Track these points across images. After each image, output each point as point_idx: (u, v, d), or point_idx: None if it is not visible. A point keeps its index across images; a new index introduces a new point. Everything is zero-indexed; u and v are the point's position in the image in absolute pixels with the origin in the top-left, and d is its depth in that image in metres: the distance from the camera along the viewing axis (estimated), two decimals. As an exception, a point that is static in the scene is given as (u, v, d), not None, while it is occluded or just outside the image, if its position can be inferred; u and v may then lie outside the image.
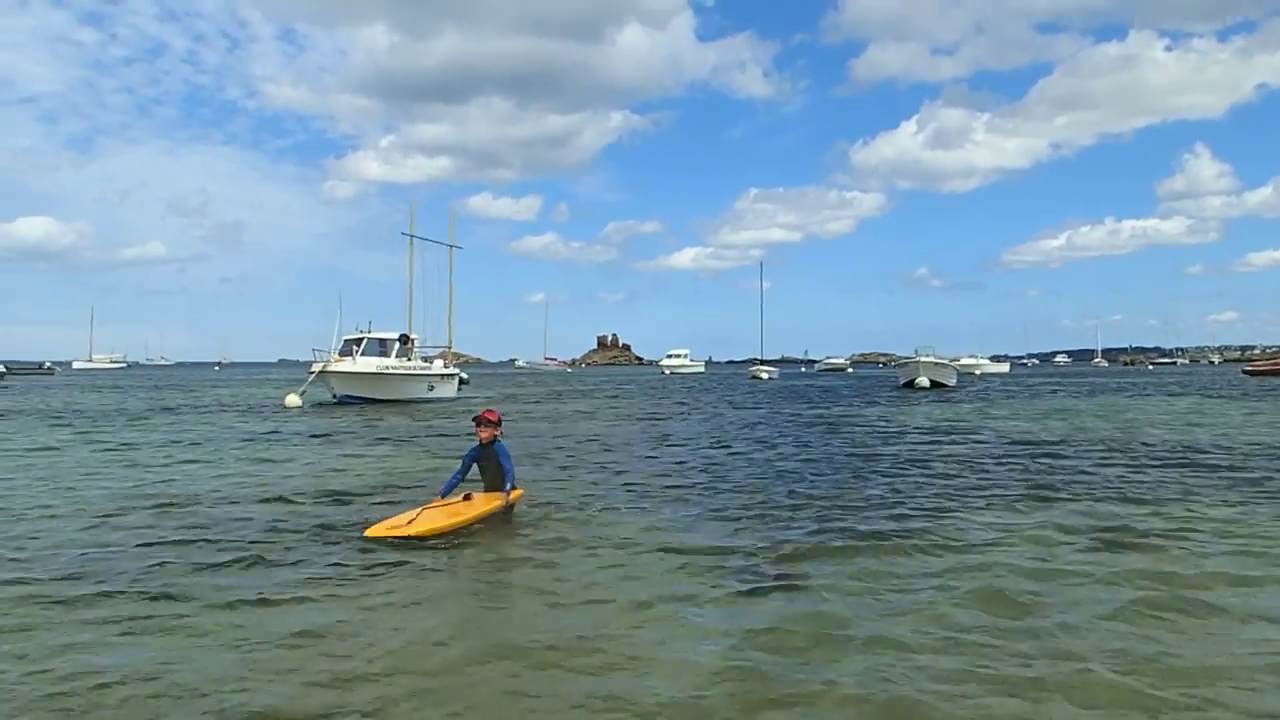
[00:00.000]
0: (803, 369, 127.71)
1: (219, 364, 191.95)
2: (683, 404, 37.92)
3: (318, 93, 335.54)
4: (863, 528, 9.29)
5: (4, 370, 75.07)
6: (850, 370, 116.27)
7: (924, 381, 50.33)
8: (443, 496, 9.35)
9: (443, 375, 40.77)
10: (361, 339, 36.30)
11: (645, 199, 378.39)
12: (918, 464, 15.15)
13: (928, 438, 20.24)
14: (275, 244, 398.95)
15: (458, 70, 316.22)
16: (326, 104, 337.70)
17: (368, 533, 8.56)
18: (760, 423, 26.00)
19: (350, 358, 35.07)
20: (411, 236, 44.27)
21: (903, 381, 53.53)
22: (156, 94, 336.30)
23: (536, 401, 40.84)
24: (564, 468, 14.83)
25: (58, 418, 27.83)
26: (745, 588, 6.99)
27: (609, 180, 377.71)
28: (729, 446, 18.55)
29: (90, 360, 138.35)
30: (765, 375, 79.43)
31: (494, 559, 8.02)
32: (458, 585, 7.30)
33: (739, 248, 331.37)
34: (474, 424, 9.63)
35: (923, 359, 52.58)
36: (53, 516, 10.04)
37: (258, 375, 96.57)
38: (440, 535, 8.56)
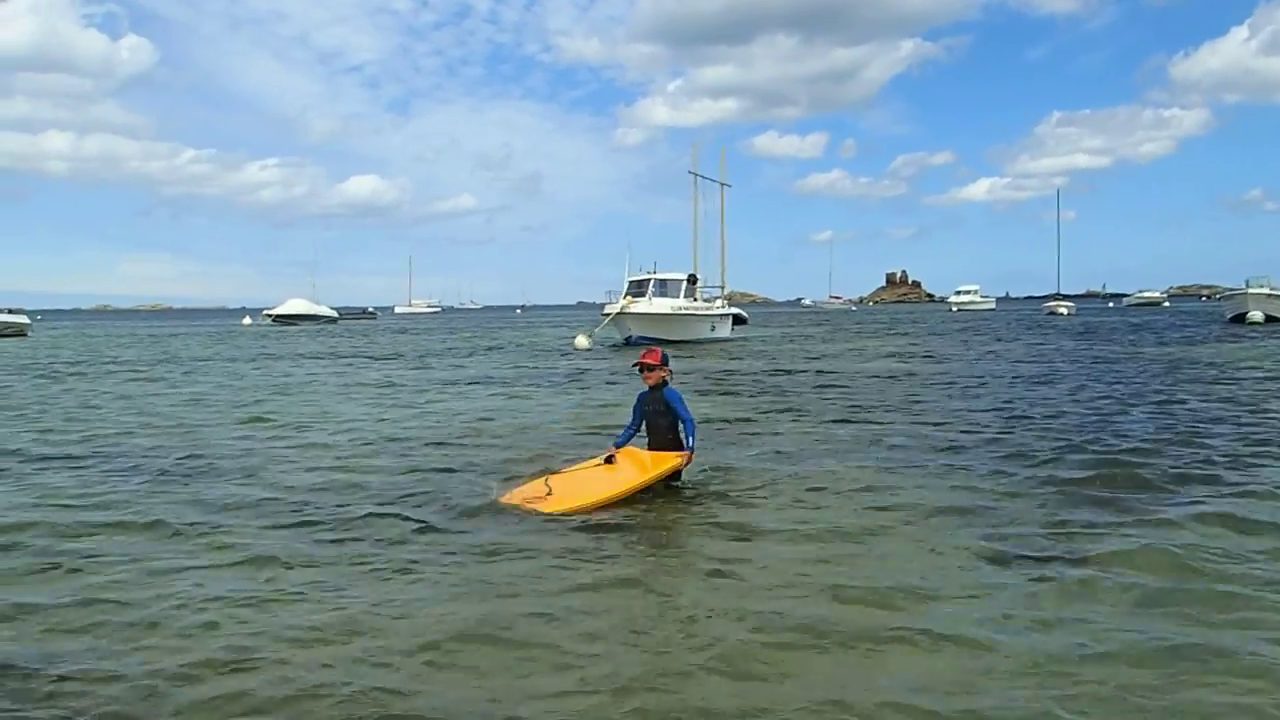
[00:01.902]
0: (1109, 304, 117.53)
1: (520, 308, 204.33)
2: (967, 342, 35.75)
3: (608, 43, 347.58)
4: (1194, 504, 7.36)
5: (337, 316, 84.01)
6: (1167, 304, 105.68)
7: (1257, 315, 44.58)
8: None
9: (721, 315, 40.94)
10: (647, 280, 36.84)
11: (936, 130, 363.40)
12: (1265, 416, 12.57)
13: (1275, 382, 17.53)
14: (570, 192, 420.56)
15: (742, 9, 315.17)
16: (616, 53, 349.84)
17: (503, 500, 7.54)
18: (1057, 363, 23.68)
19: (644, 299, 35.63)
20: (695, 175, 44.41)
21: (1229, 316, 47.75)
22: (463, 55, 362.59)
23: (812, 339, 40.05)
24: (810, 412, 13.96)
25: (369, 357, 30.49)
26: (1020, 575, 5.75)
27: (897, 112, 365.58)
28: (1015, 391, 16.72)
29: (409, 305, 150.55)
30: (1064, 310, 73.85)
31: (708, 527, 7.15)
32: (678, 559, 6.62)
33: (1039, 176, 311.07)
34: (637, 370, 8.18)
35: (1254, 290, 46.59)
36: (308, 444, 10.63)
37: (555, 317, 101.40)
38: (585, 512, 7.18)
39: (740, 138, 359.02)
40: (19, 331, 51.25)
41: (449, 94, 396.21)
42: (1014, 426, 11.95)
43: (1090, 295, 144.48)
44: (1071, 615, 4.99)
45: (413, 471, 9.30)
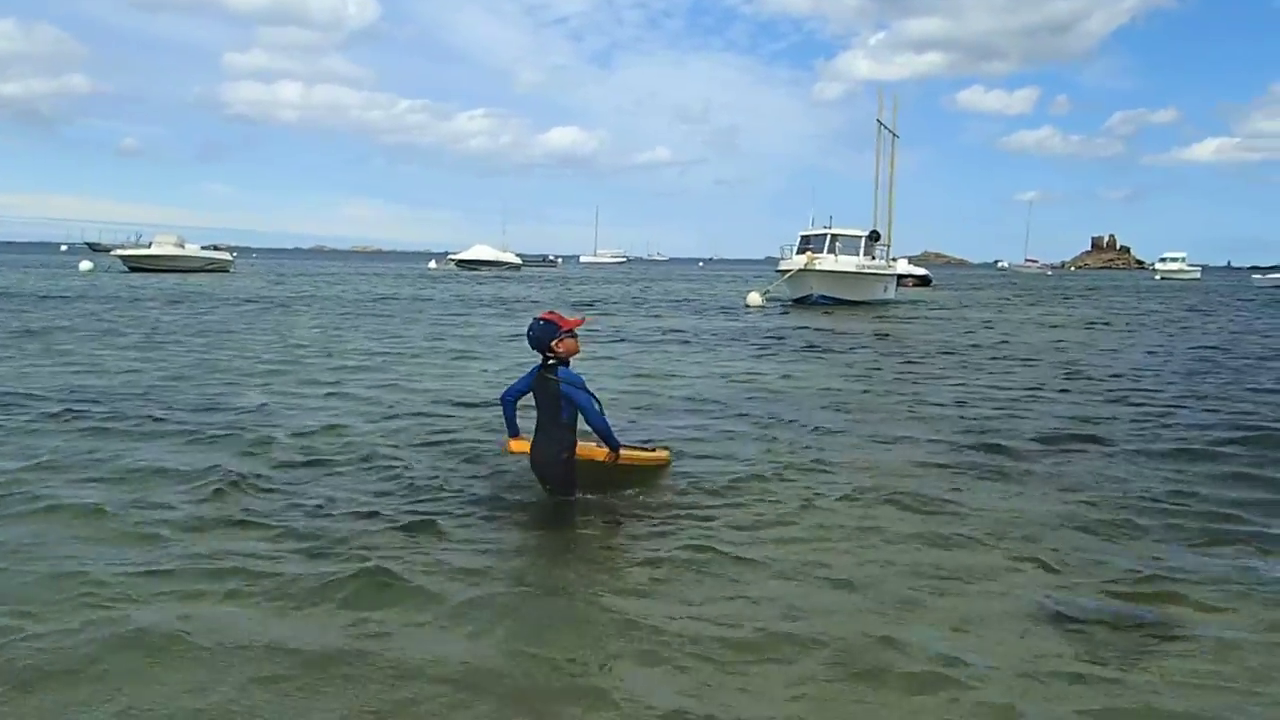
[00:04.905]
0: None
1: (702, 261, 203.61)
2: (1157, 314, 32.45)
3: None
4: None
5: (520, 263, 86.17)
6: None
7: None
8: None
9: (890, 275, 39.12)
10: (822, 235, 34.79)
11: (1160, 85, 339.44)
12: None
13: None
14: (767, 146, 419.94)
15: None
16: (819, 5, 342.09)
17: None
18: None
19: (829, 255, 33.88)
20: (880, 125, 42.13)
21: None
22: (665, 6, 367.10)
23: (987, 306, 37.71)
24: (915, 385, 12.83)
25: (529, 303, 30.81)
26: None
27: (1117, 66, 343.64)
28: (1187, 384, 14.64)
29: (595, 255, 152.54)
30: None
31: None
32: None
33: (1275, 136, 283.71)
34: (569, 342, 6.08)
35: None
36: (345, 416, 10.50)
37: (738, 272, 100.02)
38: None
39: (944, 92, 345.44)
40: (222, 268, 54.86)
41: (650, 46, 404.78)
42: (1156, 434, 10.37)
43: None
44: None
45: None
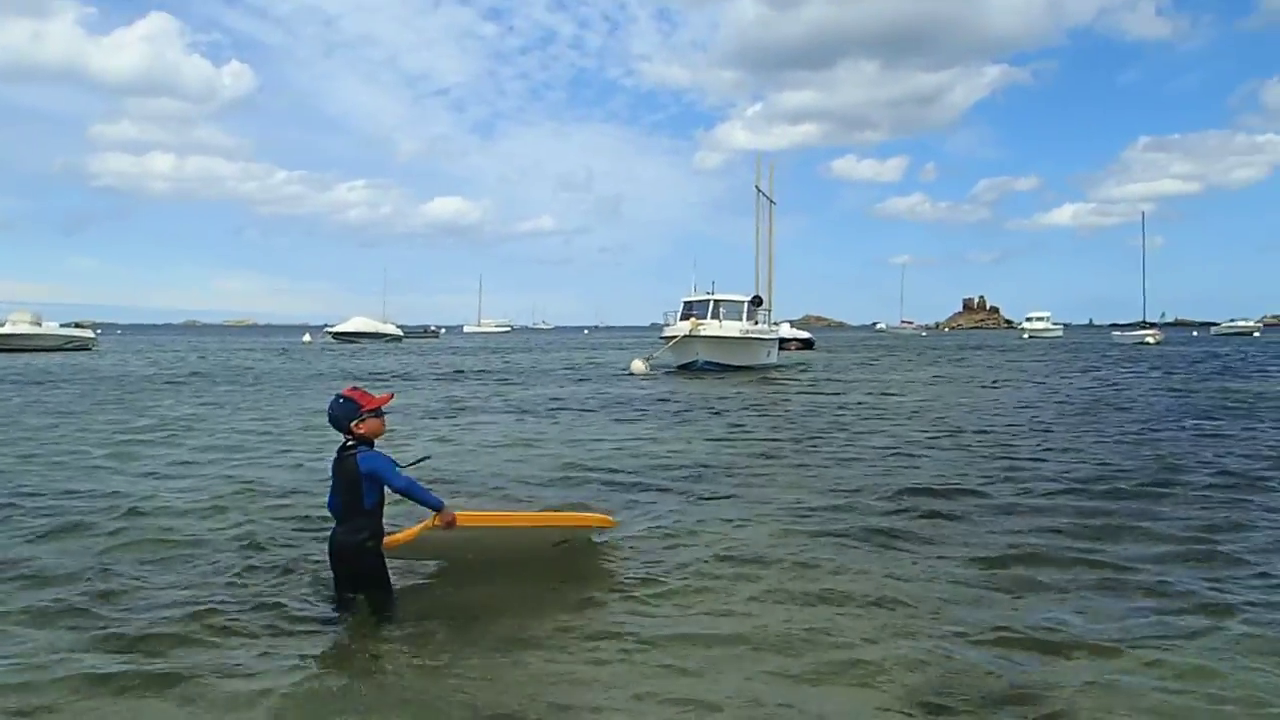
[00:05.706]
0: (1193, 333, 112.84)
1: (588, 329, 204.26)
2: (1024, 371, 33.71)
3: (690, 68, 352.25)
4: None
5: (401, 334, 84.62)
6: (1258, 334, 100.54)
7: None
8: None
9: (772, 339, 39.42)
10: (705, 301, 34.71)
11: (1020, 154, 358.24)
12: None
13: None
14: (649, 214, 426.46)
15: (824, 36, 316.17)
16: (698, 78, 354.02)
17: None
18: (1119, 399, 21.86)
19: (715, 320, 33.61)
20: (758, 191, 42.97)
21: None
22: (547, 78, 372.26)
23: (863, 367, 38.62)
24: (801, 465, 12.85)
25: (394, 376, 29.97)
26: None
27: (981, 136, 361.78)
28: (1055, 434, 15.15)
29: (479, 325, 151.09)
30: (1152, 339, 70.58)
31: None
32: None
33: (1126, 202, 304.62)
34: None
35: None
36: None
37: (623, 339, 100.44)
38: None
39: (820, 161, 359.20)
40: (83, 346, 52.29)
41: (533, 117, 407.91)
42: (1028, 482, 10.56)
43: (1181, 324, 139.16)
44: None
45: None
